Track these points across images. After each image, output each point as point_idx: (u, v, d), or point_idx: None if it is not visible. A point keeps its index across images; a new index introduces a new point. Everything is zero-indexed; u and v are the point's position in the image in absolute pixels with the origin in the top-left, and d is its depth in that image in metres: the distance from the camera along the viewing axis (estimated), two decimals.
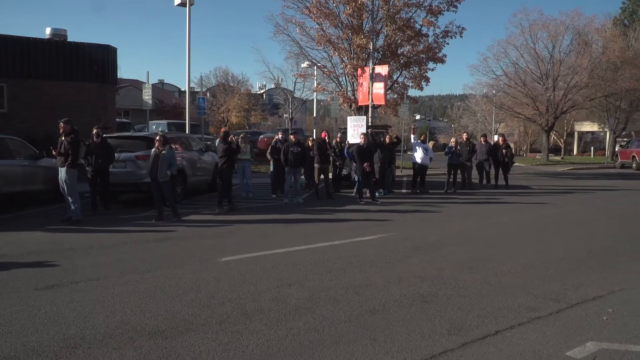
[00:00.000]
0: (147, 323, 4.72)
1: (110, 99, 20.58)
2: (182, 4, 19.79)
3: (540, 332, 4.61)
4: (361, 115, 19.75)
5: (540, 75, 36.60)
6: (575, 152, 53.99)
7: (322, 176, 14.91)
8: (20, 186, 11.44)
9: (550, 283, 6.13)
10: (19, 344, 4.23)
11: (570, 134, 55.12)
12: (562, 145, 53.05)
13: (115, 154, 11.57)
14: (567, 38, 36.11)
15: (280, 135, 15.22)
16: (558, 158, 43.17)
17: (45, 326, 4.63)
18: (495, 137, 29.68)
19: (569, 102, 35.86)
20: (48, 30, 19.98)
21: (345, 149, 15.52)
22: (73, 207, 10.04)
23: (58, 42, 19.15)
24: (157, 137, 10.75)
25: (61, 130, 10.17)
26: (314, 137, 21.37)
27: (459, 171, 16.80)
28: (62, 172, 10.10)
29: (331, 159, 16.31)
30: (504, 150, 17.65)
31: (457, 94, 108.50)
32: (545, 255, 7.68)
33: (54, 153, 10.29)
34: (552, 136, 48.28)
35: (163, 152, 10.41)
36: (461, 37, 22.31)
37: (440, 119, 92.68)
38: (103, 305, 5.23)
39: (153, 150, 10.61)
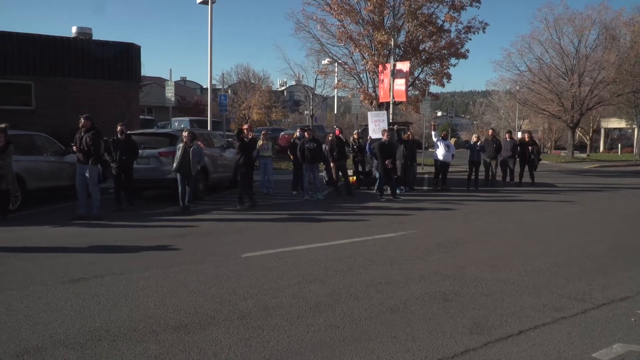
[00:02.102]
0: (170, 317, 4.78)
1: (134, 97, 20.83)
2: (205, 2, 19.95)
3: (565, 333, 4.53)
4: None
5: (565, 70, 35.96)
6: (601, 149, 52.96)
7: (340, 173, 14.89)
8: (46, 182, 11.67)
9: (575, 282, 6.03)
10: (47, 336, 4.32)
11: (597, 131, 54.08)
12: (588, 142, 52.05)
13: (139, 151, 11.72)
14: (594, 32, 35.46)
15: (298, 133, 15.26)
16: (584, 155, 42.35)
17: (71, 318, 4.72)
18: (519, 134, 29.28)
19: (595, 98, 35.19)
20: (74, 29, 20.31)
21: (367, 145, 15.45)
22: (94, 204, 10.20)
23: (83, 40, 19.46)
24: (186, 133, 11.00)
25: (81, 126, 10.27)
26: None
27: (481, 168, 16.61)
28: (84, 169, 10.22)
29: (351, 155, 16.28)
30: (529, 147, 17.32)
31: (480, 90, 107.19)
32: (570, 254, 7.55)
33: (74, 149, 10.44)
34: (578, 133, 47.41)
35: (193, 147, 10.76)
36: (484, 32, 22.02)
37: (463, 115, 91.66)
38: (127, 299, 5.31)
39: (181, 145, 10.85)
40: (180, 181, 10.99)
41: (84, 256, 7.13)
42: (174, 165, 10.97)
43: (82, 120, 10.24)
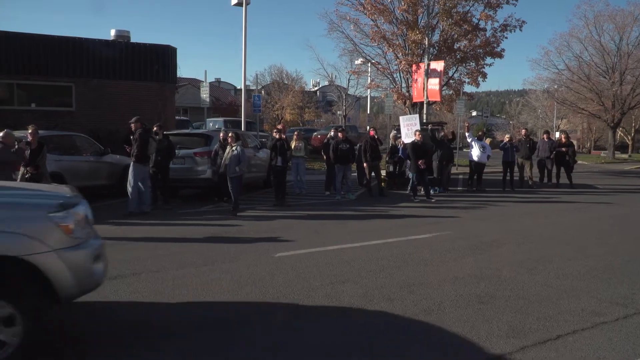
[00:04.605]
0: (203, 315, 4.85)
1: (170, 98, 21.21)
2: (239, 4, 20.16)
3: (605, 338, 4.40)
4: (415, 112, 19.47)
5: (605, 69, 34.96)
6: None
7: (373, 173, 14.82)
8: (86, 181, 11.97)
9: (616, 287, 5.84)
10: (87, 330, 4.44)
11: (639, 131, 52.27)
12: (630, 143, 50.29)
13: (175, 151, 11.94)
14: (636, 29, 34.33)
15: (332, 133, 15.25)
16: (625, 156, 41.00)
17: (109, 314, 4.84)
18: (557, 134, 28.53)
19: (638, 97, 34.13)
20: (113, 32, 20.84)
21: (401, 150, 15.35)
22: (130, 198, 10.49)
23: (122, 43, 19.93)
24: (230, 134, 11.09)
25: (133, 129, 10.70)
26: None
27: (516, 169, 16.27)
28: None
29: (387, 158, 16.17)
30: (564, 149, 16.87)
31: (516, 90, 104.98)
32: (611, 257, 7.31)
33: (128, 150, 10.91)
34: (619, 133, 45.95)
35: (234, 149, 10.75)
36: (521, 30, 21.63)
37: (498, 115, 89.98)
38: (163, 296, 5.41)
39: (228, 147, 10.92)
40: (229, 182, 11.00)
41: (121, 254, 7.29)
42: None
43: (132, 124, 10.71)
